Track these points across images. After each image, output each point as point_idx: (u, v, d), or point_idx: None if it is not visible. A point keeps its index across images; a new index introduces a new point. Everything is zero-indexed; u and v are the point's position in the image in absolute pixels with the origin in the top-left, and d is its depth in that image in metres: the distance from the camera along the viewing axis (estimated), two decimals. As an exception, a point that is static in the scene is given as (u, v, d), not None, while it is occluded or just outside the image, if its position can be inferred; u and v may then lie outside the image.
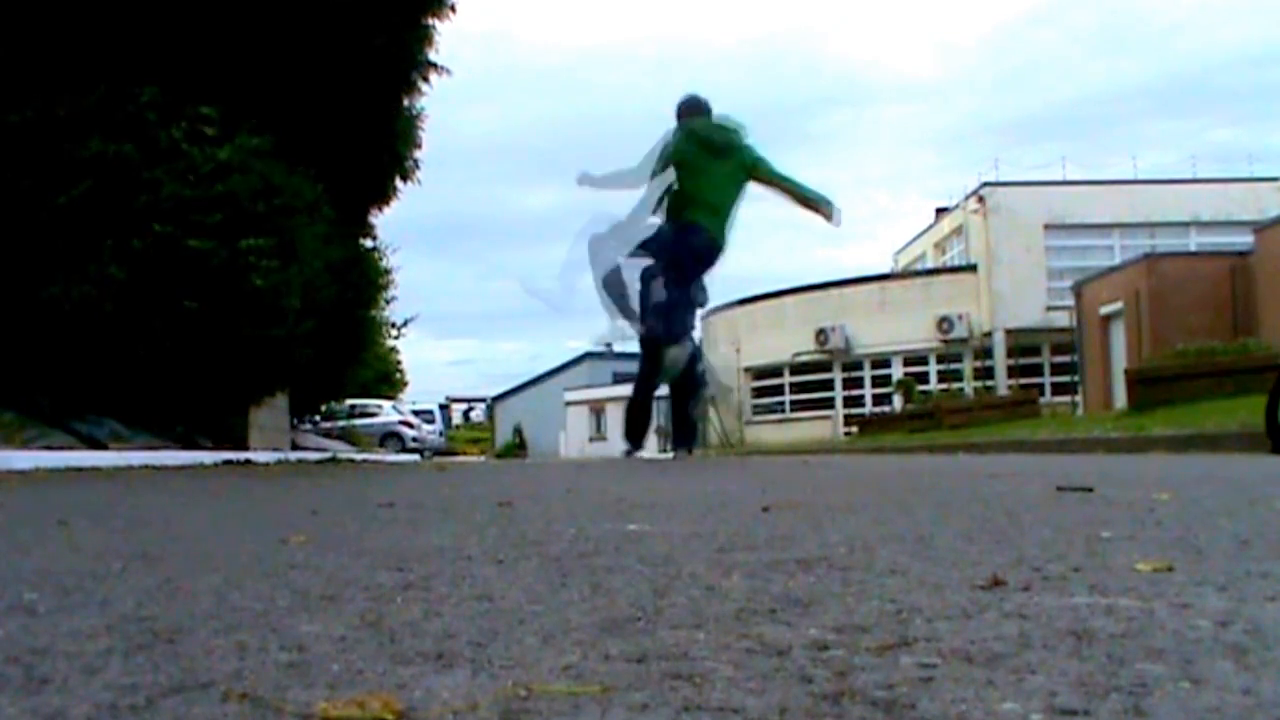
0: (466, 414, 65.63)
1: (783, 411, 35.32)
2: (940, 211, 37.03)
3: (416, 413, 31.98)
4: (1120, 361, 22.24)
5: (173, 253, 7.36)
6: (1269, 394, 7.23)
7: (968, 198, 32.41)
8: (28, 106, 7.24)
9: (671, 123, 8.27)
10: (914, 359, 32.52)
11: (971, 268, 31.78)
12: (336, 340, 10.50)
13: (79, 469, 5.68)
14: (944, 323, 31.30)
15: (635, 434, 8.89)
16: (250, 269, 7.53)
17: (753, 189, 8.18)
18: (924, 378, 31.17)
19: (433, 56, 10.84)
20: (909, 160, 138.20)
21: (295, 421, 15.73)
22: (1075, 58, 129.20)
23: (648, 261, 8.20)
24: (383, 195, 12.20)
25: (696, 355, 8.61)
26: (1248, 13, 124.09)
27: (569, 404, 50.11)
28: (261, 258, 7.58)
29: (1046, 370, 31.19)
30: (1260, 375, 12.08)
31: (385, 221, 14.41)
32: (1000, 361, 30.92)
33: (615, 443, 49.67)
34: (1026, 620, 1.07)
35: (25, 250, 7.21)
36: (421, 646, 0.97)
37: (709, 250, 8.06)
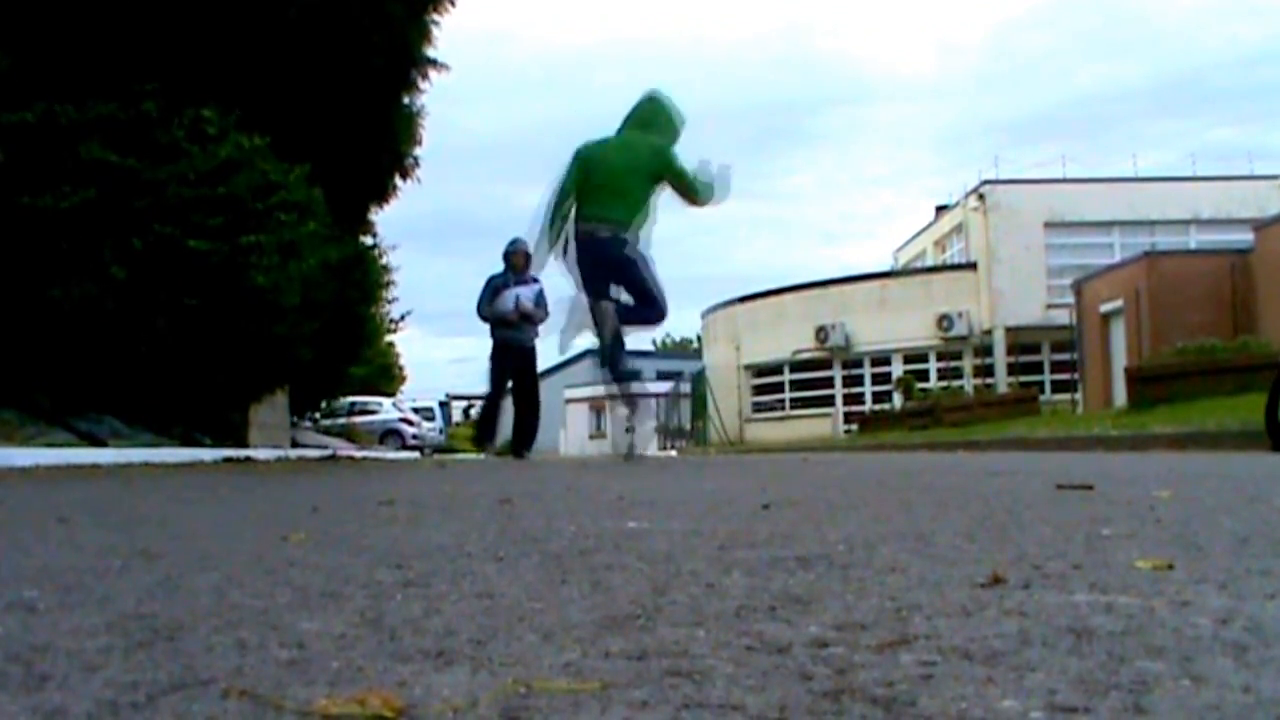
0: (467, 411, 65.45)
1: (783, 409, 35.33)
2: (940, 209, 37.01)
3: (417, 410, 31.96)
4: (1120, 359, 22.24)
5: (173, 252, 7.36)
6: (1269, 392, 7.23)
7: (968, 196, 32.41)
8: (31, 110, 7.23)
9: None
10: (914, 357, 32.53)
11: (971, 266, 31.78)
12: (336, 338, 10.51)
13: (79, 467, 5.69)
14: (944, 320, 31.30)
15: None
16: (250, 267, 7.53)
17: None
18: (924, 375, 31.17)
19: (432, 53, 10.84)
20: (909, 159, 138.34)
21: (295, 419, 15.74)
22: (1075, 57, 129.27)
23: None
24: (382, 193, 12.20)
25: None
26: (1247, 13, 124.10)
27: (569, 401, 50.10)
28: (262, 255, 7.58)
29: (1046, 368, 31.20)
30: (1260, 373, 12.08)
31: (386, 219, 14.42)
32: (1000, 359, 30.93)
33: (615, 440, 49.64)
34: (1026, 618, 1.07)
35: (28, 250, 7.21)
36: (422, 644, 0.97)
37: None
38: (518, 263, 9.68)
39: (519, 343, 9.64)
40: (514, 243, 9.73)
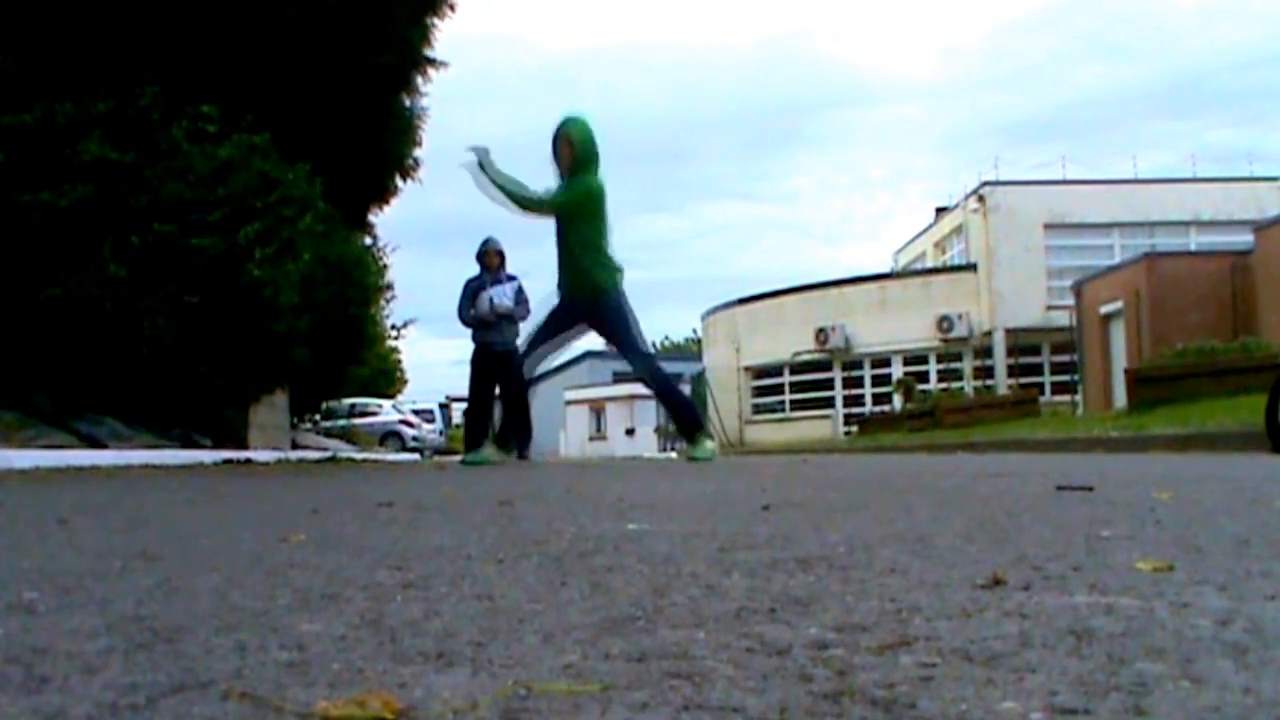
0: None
1: (783, 411, 35.32)
2: (940, 211, 37.01)
3: (417, 412, 31.93)
4: (1120, 361, 22.23)
5: (172, 249, 7.36)
6: (1269, 393, 7.23)
7: (968, 197, 32.41)
8: (30, 113, 7.23)
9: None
10: (914, 358, 32.52)
11: (971, 267, 31.78)
12: (335, 338, 10.49)
13: (79, 468, 5.68)
14: (944, 322, 31.30)
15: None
16: (248, 260, 7.52)
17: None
18: (924, 377, 31.16)
19: (431, 55, 10.84)
20: (910, 161, 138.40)
21: (295, 421, 15.74)
22: (1075, 59, 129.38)
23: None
24: (383, 193, 12.20)
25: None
26: (1247, 14, 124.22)
27: (569, 403, 50.12)
28: (260, 248, 7.57)
29: (1046, 370, 31.18)
30: (1260, 374, 12.09)
31: (388, 220, 14.41)
32: (1000, 361, 30.91)
33: (615, 442, 49.50)
34: (1026, 619, 1.07)
35: (28, 250, 7.21)
36: (422, 645, 0.97)
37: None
38: (492, 262, 9.56)
39: (499, 345, 9.50)
40: (486, 242, 9.60)
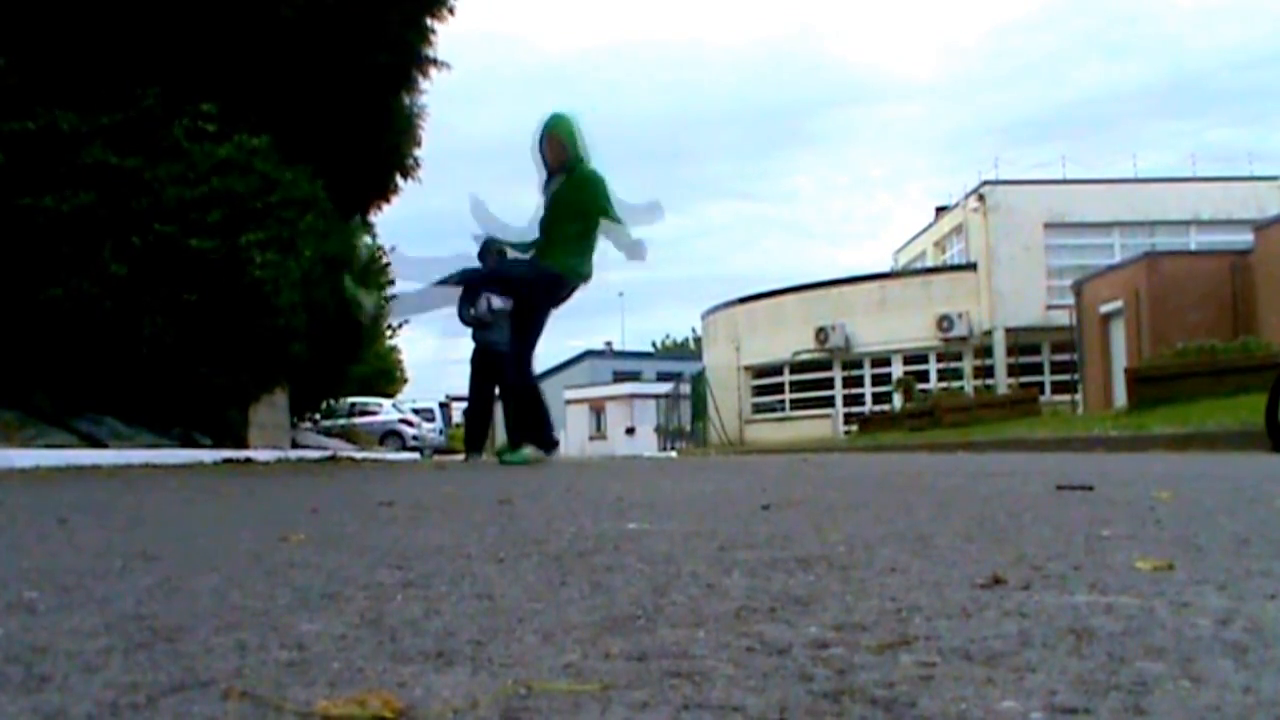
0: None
1: (783, 410, 35.34)
2: (940, 210, 37.04)
3: (417, 411, 31.94)
4: (1120, 360, 22.25)
5: (173, 249, 7.37)
6: (1269, 393, 7.24)
7: (968, 196, 32.42)
8: (34, 120, 7.23)
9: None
10: (914, 358, 32.55)
11: (971, 266, 31.79)
12: (335, 337, 10.48)
13: (79, 467, 5.68)
14: (944, 321, 31.31)
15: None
16: (249, 262, 7.53)
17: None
18: (924, 376, 31.19)
19: (432, 54, 10.83)
20: (910, 160, 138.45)
21: (295, 420, 15.72)
22: (1075, 58, 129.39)
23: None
24: (383, 191, 12.18)
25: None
26: (1247, 14, 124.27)
27: (569, 403, 50.14)
28: (260, 251, 7.57)
29: (1046, 369, 31.21)
30: (1260, 374, 12.10)
31: (389, 220, 14.43)
32: (1000, 360, 30.94)
33: (615, 442, 49.48)
34: (1026, 619, 1.07)
35: (28, 251, 7.21)
36: (422, 645, 0.97)
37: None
38: (492, 262, 9.56)
39: (498, 345, 9.44)
40: (487, 242, 9.59)
